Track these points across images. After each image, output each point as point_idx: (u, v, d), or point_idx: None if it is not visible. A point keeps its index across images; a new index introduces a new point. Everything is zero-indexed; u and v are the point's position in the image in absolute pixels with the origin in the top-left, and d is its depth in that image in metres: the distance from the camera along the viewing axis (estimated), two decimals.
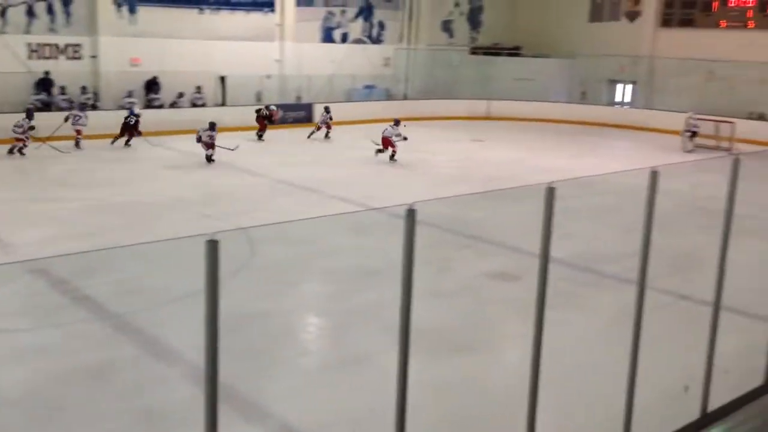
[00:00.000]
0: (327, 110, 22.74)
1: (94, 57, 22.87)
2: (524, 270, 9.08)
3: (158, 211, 13.00)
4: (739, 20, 27.09)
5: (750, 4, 26.83)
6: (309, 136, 22.53)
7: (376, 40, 30.00)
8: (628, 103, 30.69)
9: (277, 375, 6.88)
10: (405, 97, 30.17)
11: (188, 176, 16.35)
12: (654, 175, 5.05)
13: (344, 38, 29.07)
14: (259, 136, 22.01)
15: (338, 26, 28.87)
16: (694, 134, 22.94)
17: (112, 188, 14.86)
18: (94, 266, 9.81)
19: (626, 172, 15.96)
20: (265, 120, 22.33)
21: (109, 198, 13.93)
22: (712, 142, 23.37)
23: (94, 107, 22.14)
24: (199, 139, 17.58)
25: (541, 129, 26.73)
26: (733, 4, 27.26)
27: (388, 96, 29.82)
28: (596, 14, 31.14)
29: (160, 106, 23.61)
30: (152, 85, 23.93)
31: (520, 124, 27.75)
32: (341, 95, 28.24)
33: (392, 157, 18.93)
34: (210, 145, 17.28)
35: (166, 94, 24.10)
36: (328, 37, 28.63)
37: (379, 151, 18.97)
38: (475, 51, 31.81)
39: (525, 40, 32.07)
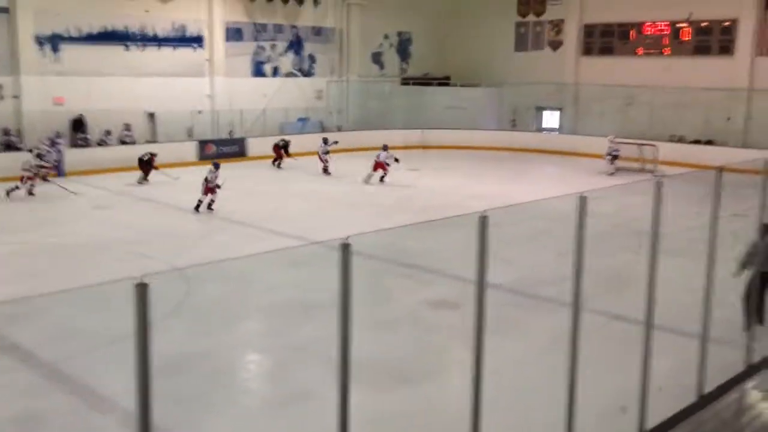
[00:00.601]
0: (325, 141, 22.96)
1: (16, 97, 22.24)
2: (465, 297, 9.15)
3: (90, 252, 12.61)
4: (655, 47, 28.33)
5: (665, 32, 28.13)
6: (325, 171, 22.17)
7: (308, 73, 30.13)
8: (555, 129, 31.62)
9: (216, 416, 6.70)
10: (339, 129, 30.29)
11: (121, 215, 15.95)
12: (582, 200, 5.18)
13: (275, 72, 29.08)
14: (277, 165, 23.59)
15: (269, 60, 28.87)
16: (615, 157, 23.69)
17: (42, 230, 14.36)
18: (22, 312, 9.40)
19: (557, 197, 16.32)
20: (282, 149, 23.82)
21: (39, 240, 13.44)
22: (637, 165, 24.19)
23: (17, 148, 21.47)
24: (207, 185, 16.59)
25: (474, 156, 27.19)
26: (649, 33, 28.53)
27: (322, 128, 29.88)
28: (521, 44, 32.09)
29: (87, 145, 23.06)
30: (78, 124, 23.38)
31: (454, 152, 28.17)
32: (275, 128, 28.17)
33: (383, 178, 21.04)
34: (211, 190, 16.45)
35: (93, 133, 23.56)
36: (258, 71, 28.59)
37: (369, 176, 20.67)
38: (405, 81, 32.27)
39: (454, 69, 32.77)
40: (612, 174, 23.34)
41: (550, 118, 31.84)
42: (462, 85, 31.69)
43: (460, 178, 22.11)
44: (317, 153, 23.07)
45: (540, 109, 31.80)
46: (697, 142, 26.58)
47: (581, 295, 5.22)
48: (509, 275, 11.36)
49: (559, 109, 31.32)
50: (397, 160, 21.17)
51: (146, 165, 20.56)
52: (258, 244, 13.03)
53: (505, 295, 10.48)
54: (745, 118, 26.03)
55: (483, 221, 4.45)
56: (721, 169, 6.62)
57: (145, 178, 20.43)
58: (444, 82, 32.21)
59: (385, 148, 21.50)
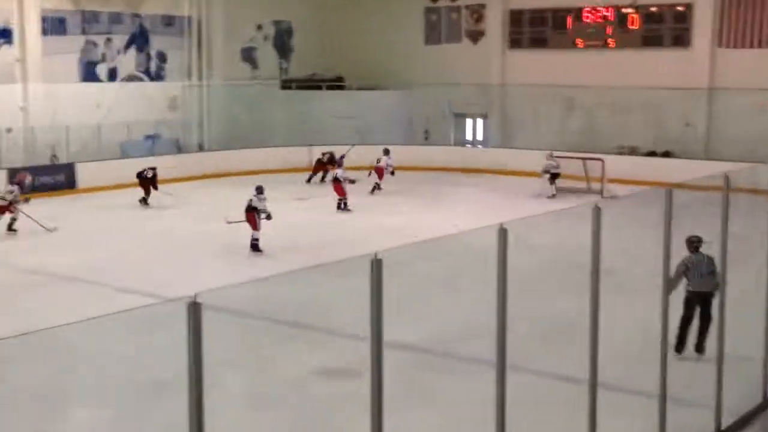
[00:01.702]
0: (387, 152, 25.31)
1: None
2: (366, 362, 9.19)
3: None
4: (597, 38, 29.59)
5: (609, 19, 29.34)
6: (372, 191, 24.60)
7: (157, 76, 29.82)
8: (479, 143, 32.47)
9: None
10: (201, 148, 30.04)
11: None
12: (502, 234, 5.37)
13: (112, 75, 28.64)
14: (321, 179, 26.39)
15: (103, 60, 28.41)
16: (554, 176, 24.51)
17: None
18: None
19: (482, 228, 16.67)
20: (327, 164, 26.18)
21: None
22: (581, 185, 25.11)
23: None
24: (252, 211, 17.46)
25: (376, 179, 27.50)
26: (589, 20, 29.71)
27: (179, 148, 29.58)
28: (433, 36, 32.91)
29: None
30: None
31: (351, 174, 28.39)
32: (114, 150, 27.62)
33: (373, 190, 24.38)
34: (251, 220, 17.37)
35: None
36: (90, 75, 28.07)
37: (351, 181, 22.41)
38: (287, 85, 32.50)
39: (348, 69, 33.16)
40: (552, 196, 24.13)
41: (473, 129, 32.72)
42: (359, 89, 32.20)
43: (360, 206, 22.30)
44: (377, 168, 24.90)
45: (460, 117, 32.64)
46: (651, 154, 27.92)
47: (506, 352, 5.39)
48: (420, 331, 11.49)
49: (484, 116, 32.21)
50: (392, 173, 24.51)
51: (148, 182, 22.73)
52: (93, 305, 12.71)
53: (416, 355, 10.60)
54: (706, 124, 27.52)
55: (376, 266, 4.54)
56: (671, 189, 7.00)
57: (146, 198, 22.55)
58: (336, 84, 32.64)
59: (386, 152, 24.71)
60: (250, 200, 17.63)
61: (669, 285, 9.72)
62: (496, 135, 31.70)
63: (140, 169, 23.01)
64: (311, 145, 29.50)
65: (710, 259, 10.24)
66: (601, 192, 24.20)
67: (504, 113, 31.55)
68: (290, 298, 13.24)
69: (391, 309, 11.36)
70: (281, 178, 27.86)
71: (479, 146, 32.34)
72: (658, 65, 28.11)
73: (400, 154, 30.21)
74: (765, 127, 25.89)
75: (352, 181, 22.20)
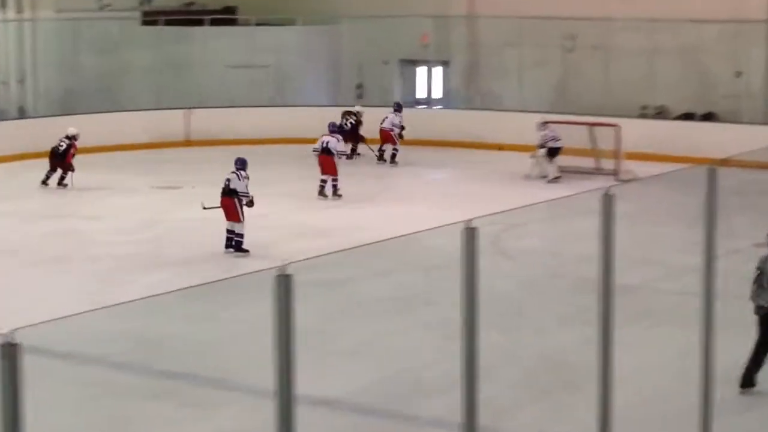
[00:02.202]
0: (398, 108, 27.59)
1: None
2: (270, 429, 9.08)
3: None
4: None
5: None
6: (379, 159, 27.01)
7: None
8: (438, 101, 32.52)
9: None
10: (22, 114, 29.56)
11: None
12: (470, 235, 5.37)
13: None
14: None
15: None
16: (554, 151, 24.59)
17: None
18: None
19: (446, 227, 16.75)
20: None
21: None
22: (587, 162, 25.21)
23: None
24: (229, 195, 18.15)
25: (295, 156, 27.37)
26: None
27: None
28: None
29: None
30: None
31: (251, 150, 28.17)
32: None
33: (393, 158, 26.50)
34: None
35: None
36: None
37: (348, 156, 24.68)
38: (151, 19, 32.19)
39: None
40: (555, 180, 24.39)
41: (428, 82, 32.70)
42: (260, 24, 32.03)
43: (262, 198, 22.19)
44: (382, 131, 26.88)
45: (408, 65, 32.64)
46: (687, 116, 28.21)
47: (476, 410, 5.40)
48: (354, 380, 11.50)
49: (443, 63, 32.26)
50: (401, 134, 26.51)
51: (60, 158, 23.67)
52: None
53: (346, 418, 10.57)
54: (765, 72, 27.80)
55: (283, 285, 4.52)
56: (715, 167, 7.07)
57: (62, 179, 23.50)
58: (224, 18, 32.48)
59: (398, 108, 27.02)
60: (227, 180, 18.08)
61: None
62: (462, 91, 31.85)
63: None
64: (190, 107, 29.26)
65: None
66: (615, 173, 24.37)
67: (473, 59, 31.64)
68: (161, 333, 13.15)
69: (311, 347, 11.31)
70: (144, 156, 27.63)
71: (437, 107, 32.43)
72: None
73: (324, 119, 30.13)
74: None
75: (350, 156, 23.96)
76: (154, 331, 13.23)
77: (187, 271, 16.38)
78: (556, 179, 24.32)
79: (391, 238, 15.75)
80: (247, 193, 17.96)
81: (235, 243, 17.66)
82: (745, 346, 11.54)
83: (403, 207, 21.12)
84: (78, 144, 23.56)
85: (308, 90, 31.73)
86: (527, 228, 18.46)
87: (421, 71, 32.79)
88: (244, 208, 17.82)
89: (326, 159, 22.60)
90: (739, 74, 27.97)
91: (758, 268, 10.74)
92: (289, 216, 20.62)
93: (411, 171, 26.02)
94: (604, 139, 25.38)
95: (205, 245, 18.29)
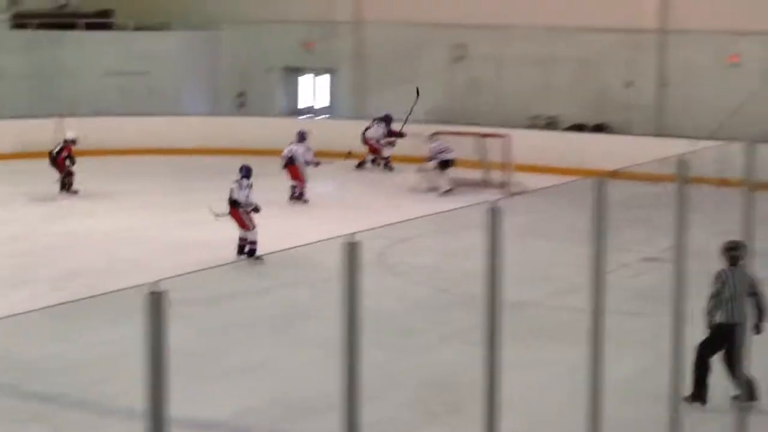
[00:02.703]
0: (388, 121, 27.91)
1: None
2: None
3: None
4: None
5: None
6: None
7: None
8: (323, 110, 32.58)
9: None
10: None
11: None
12: (351, 249, 5.32)
13: None
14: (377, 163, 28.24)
15: None
16: (446, 164, 24.71)
17: None
18: None
19: (321, 243, 16.80)
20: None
21: None
22: (476, 174, 25.40)
23: None
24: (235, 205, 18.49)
25: (165, 166, 27.13)
26: None
27: None
28: None
29: None
30: None
31: (126, 161, 27.92)
32: None
33: (387, 164, 27.45)
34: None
35: None
36: None
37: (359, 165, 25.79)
38: (21, 22, 31.79)
39: None
40: (448, 192, 24.53)
41: (313, 90, 32.78)
42: (138, 29, 31.81)
43: (137, 212, 22.04)
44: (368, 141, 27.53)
45: (292, 73, 32.71)
46: (578, 128, 28.61)
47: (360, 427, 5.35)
48: (238, 401, 11.44)
49: (330, 71, 32.33)
50: (396, 138, 27.15)
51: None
52: None
53: None
54: (657, 84, 28.30)
55: (154, 303, 4.43)
56: (603, 179, 7.10)
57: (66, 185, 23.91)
58: (100, 22, 32.20)
59: (386, 120, 27.60)
60: (230, 189, 18.57)
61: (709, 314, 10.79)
62: (348, 100, 31.95)
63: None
64: (62, 115, 28.81)
65: (752, 280, 10.85)
66: (504, 185, 24.57)
67: (360, 67, 31.73)
68: (29, 354, 12.94)
69: (190, 368, 11.18)
70: (13, 167, 27.20)
71: (323, 116, 32.47)
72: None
73: (201, 129, 29.99)
74: (736, 87, 26.80)
75: (397, 137, 24.84)
76: (22, 351, 13.03)
77: (56, 288, 16.10)
78: (448, 192, 24.45)
79: (272, 253, 15.71)
80: (249, 202, 18.19)
81: (249, 250, 17.87)
82: (635, 361, 11.72)
83: (288, 220, 21.05)
84: None
85: (187, 98, 31.49)
86: (414, 243, 18.52)
87: (306, 79, 32.78)
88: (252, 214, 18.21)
89: (292, 167, 23.44)
90: (629, 84, 28.42)
91: (720, 283, 10.88)
92: (170, 230, 20.45)
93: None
94: (495, 150, 25.58)
95: (78, 260, 18.07)
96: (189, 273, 12.87)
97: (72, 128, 25.08)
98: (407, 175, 25.57)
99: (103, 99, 29.93)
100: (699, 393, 10.79)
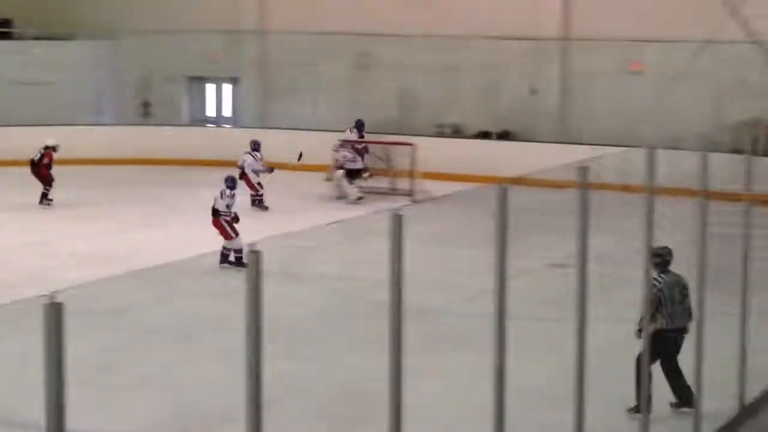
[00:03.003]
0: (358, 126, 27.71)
1: None
2: None
3: None
4: None
5: None
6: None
7: None
8: (228, 119, 32.54)
9: None
10: None
11: None
12: (253, 257, 5.30)
13: None
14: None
15: None
16: (352, 173, 24.83)
17: None
18: None
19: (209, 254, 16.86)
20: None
21: None
22: (384, 183, 25.57)
23: None
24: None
25: (70, 176, 26.83)
26: None
27: None
28: None
29: None
30: None
31: (24, 172, 27.55)
32: None
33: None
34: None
35: None
36: None
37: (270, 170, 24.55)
38: None
39: (19, 6, 32.40)
40: (358, 200, 24.69)
41: (218, 99, 32.76)
42: (39, 38, 31.53)
43: (35, 225, 21.83)
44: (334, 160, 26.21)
45: (198, 82, 32.64)
46: (484, 135, 28.83)
47: None
48: (140, 413, 11.40)
49: (234, 80, 32.29)
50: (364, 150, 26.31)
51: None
52: None
53: None
54: (560, 90, 28.60)
55: (53, 312, 4.37)
56: (506, 186, 7.16)
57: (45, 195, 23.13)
58: (5, 32, 31.91)
59: (358, 126, 27.38)
60: (215, 198, 18.75)
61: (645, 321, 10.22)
62: (253, 109, 31.92)
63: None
64: None
65: (684, 283, 10.94)
66: (410, 192, 24.68)
67: (264, 76, 31.73)
68: None
69: (91, 380, 11.01)
70: None
71: (228, 125, 32.37)
72: (494, 6, 28.89)
73: (106, 138, 29.70)
74: (638, 94, 27.18)
75: (271, 170, 24.20)
76: None
77: None
78: (358, 200, 24.57)
79: (174, 262, 15.61)
80: (228, 211, 18.44)
81: (236, 259, 18.05)
82: (541, 367, 11.78)
83: (189, 230, 20.87)
84: None
85: (90, 107, 31.20)
86: (319, 251, 18.51)
87: (211, 88, 32.71)
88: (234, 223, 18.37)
89: (244, 176, 23.47)
90: (533, 92, 28.71)
91: (658, 290, 10.70)
92: (66, 242, 20.19)
93: (198, 192, 25.79)
94: (401, 158, 25.72)
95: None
96: (88, 284, 12.76)
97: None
98: (315, 184, 25.58)
99: (4, 108, 29.53)
100: (643, 402, 10.33)
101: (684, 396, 10.77)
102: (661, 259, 10.68)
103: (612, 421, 10.54)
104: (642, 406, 9.65)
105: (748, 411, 10.72)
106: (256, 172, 24.04)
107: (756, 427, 10.44)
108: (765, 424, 10.48)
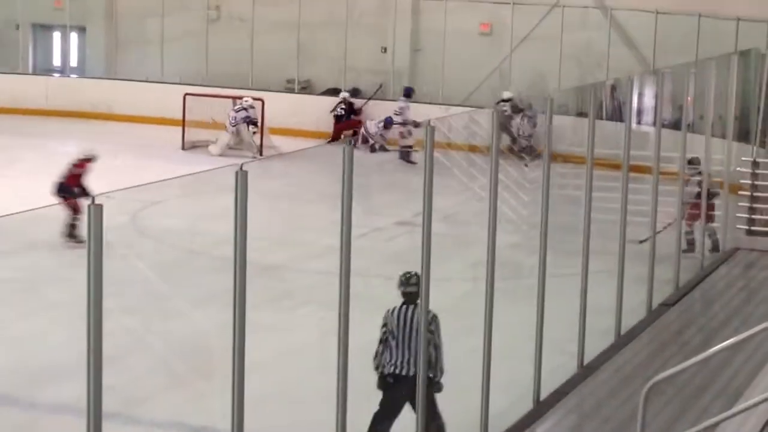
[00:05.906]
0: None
1: None
2: None
3: None
4: None
5: None
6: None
7: None
8: (74, 69, 31.95)
9: None
10: None
11: None
12: (96, 211, 5.22)
13: None
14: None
15: None
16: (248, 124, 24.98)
17: None
18: None
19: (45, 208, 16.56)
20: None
21: None
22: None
23: None
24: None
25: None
26: None
27: None
28: None
29: None
30: None
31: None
32: None
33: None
34: None
35: None
36: None
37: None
38: None
39: None
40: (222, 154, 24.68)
41: (64, 48, 32.04)
42: None
43: None
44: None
45: (43, 30, 32.01)
46: (333, 91, 28.79)
47: (101, 398, 5.29)
48: None
49: (81, 29, 31.71)
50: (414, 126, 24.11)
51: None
52: None
53: None
54: (411, 50, 28.78)
55: None
56: (351, 143, 7.21)
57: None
58: None
59: (386, 124, 25.50)
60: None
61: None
62: (101, 59, 31.42)
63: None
64: None
65: (432, 318, 9.09)
66: (259, 148, 24.65)
67: (112, 26, 31.23)
68: None
69: None
70: None
71: (74, 75, 31.86)
72: None
73: None
74: (488, 55, 27.55)
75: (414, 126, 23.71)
76: None
77: None
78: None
79: (11, 214, 15.34)
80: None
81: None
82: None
83: (29, 182, 20.38)
84: None
85: None
86: (166, 205, 18.36)
87: (56, 36, 31.94)
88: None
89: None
90: (384, 50, 28.83)
91: (384, 326, 9.27)
92: None
93: (41, 143, 25.34)
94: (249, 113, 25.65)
95: None
96: None
97: None
98: (157, 135, 25.36)
99: None
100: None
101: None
102: (408, 288, 9.15)
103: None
104: None
105: (586, 370, 10.94)
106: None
107: (593, 384, 10.68)
108: (602, 382, 10.74)
